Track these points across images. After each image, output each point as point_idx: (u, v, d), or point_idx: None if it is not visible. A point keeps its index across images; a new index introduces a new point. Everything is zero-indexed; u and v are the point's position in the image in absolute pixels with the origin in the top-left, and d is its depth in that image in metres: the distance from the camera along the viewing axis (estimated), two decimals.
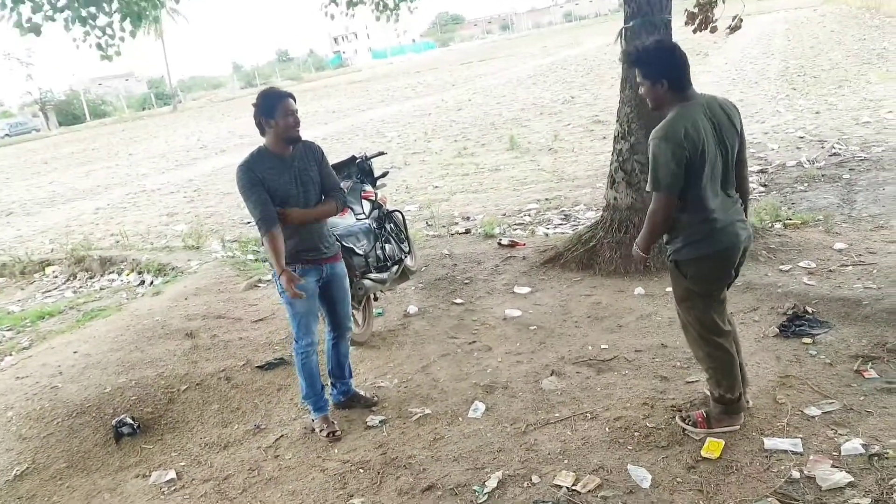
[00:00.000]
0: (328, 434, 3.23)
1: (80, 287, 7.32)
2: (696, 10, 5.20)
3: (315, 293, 3.17)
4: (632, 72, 2.59)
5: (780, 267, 4.47)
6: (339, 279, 3.27)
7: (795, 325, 3.61)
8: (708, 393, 2.85)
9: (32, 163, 23.32)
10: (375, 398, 3.51)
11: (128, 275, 7.24)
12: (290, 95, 2.98)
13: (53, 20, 5.33)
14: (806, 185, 6.53)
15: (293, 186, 3.02)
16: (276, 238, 2.92)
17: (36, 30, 5.17)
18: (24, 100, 56.03)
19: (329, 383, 3.48)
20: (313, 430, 3.31)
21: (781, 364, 3.27)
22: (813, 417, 2.78)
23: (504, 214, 7.14)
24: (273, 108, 2.91)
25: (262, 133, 3.02)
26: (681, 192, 2.49)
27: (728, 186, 2.60)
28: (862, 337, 3.38)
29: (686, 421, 2.85)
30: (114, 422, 3.56)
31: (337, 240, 3.89)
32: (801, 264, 4.45)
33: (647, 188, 2.54)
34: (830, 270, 4.30)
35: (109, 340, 4.75)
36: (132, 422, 3.57)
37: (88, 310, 6.07)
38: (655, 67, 2.50)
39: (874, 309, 3.59)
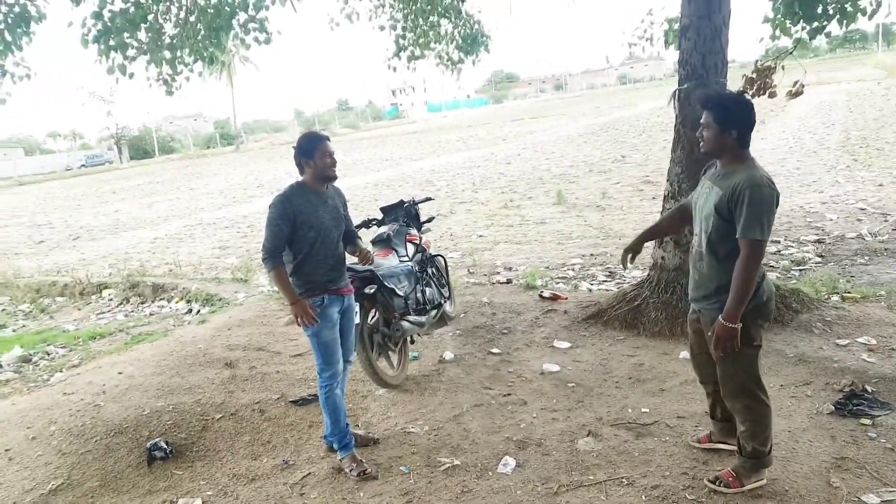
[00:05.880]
0: (359, 473, 3.18)
1: (132, 311, 7.59)
2: (753, 76, 5.17)
3: (337, 322, 3.28)
4: (708, 114, 2.59)
5: (837, 341, 4.24)
6: (351, 311, 3.46)
7: (853, 403, 3.40)
8: (737, 449, 2.81)
9: (102, 192, 24.73)
10: (375, 437, 3.55)
11: (177, 302, 7.47)
12: (328, 138, 3.24)
13: (134, 59, 5.79)
14: (867, 258, 6.26)
15: (328, 220, 3.22)
16: (283, 274, 3.11)
17: (124, 71, 5.65)
18: (101, 134, 60.34)
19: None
20: (341, 469, 3.27)
21: (837, 444, 3.07)
22: None
23: (547, 267, 7.08)
24: (313, 149, 3.15)
25: (301, 172, 3.24)
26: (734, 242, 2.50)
27: None
28: None
29: (716, 482, 2.78)
30: (148, 444, 3.61)
31: (379, 279, 3.94)
32: (860, 340, 4.22)
33: (752, 236, 2.43)
34: (893, 349, 4.06)
35: (153, 364, 4.88)
36: (166, 446, 3.61)
37: (137, 333, 6.28)
38: (732, 116, 2.54)
39: None
